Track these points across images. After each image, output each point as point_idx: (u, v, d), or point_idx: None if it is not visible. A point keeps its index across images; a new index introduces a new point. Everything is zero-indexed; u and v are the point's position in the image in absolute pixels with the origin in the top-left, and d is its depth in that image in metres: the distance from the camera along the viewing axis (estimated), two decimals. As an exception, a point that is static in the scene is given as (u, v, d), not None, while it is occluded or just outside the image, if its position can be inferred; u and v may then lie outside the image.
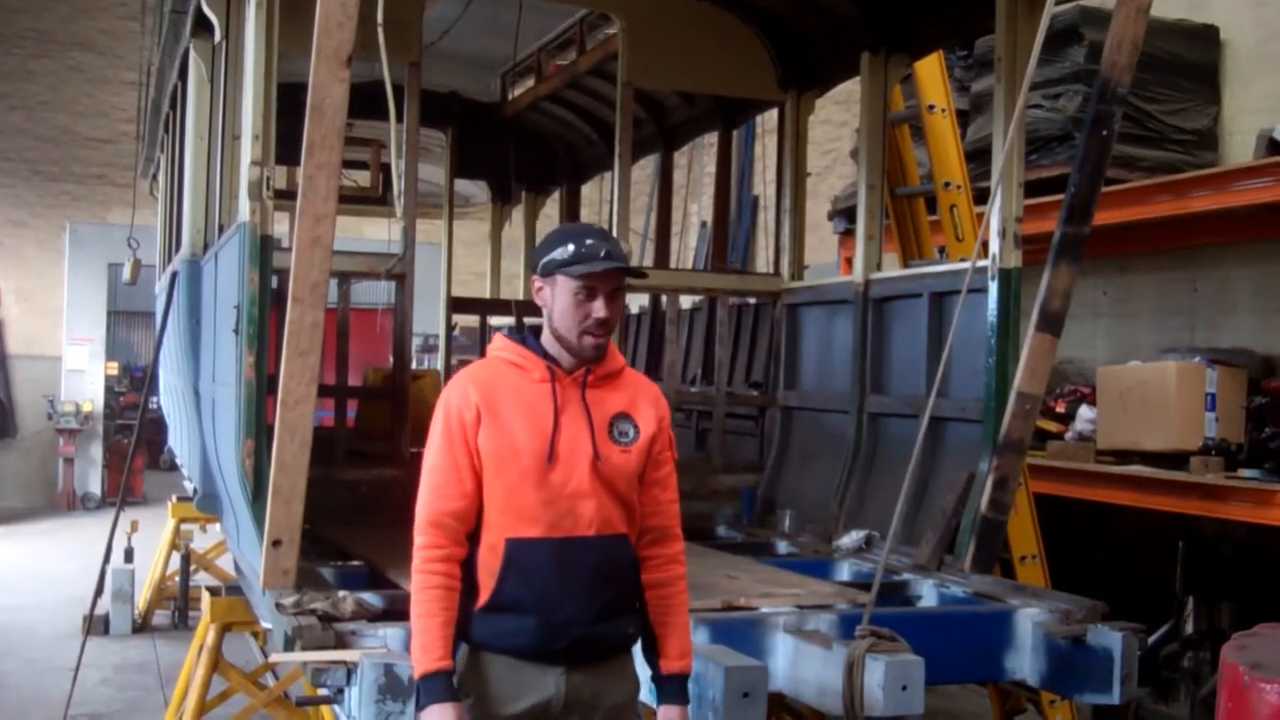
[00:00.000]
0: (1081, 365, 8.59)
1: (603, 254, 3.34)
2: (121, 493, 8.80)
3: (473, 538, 3.34)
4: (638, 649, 3.52)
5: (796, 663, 4.15)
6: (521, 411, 3.35)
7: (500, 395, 3.36)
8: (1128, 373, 7.40)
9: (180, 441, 8.58)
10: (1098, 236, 5.08)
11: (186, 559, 10.59)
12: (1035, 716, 6.71)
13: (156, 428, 15.53)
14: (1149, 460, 7.03)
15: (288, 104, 4.92)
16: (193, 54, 7.08)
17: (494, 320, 11.27)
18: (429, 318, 10.66)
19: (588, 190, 11.97)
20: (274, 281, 5.07)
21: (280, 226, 5.40)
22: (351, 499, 6.27)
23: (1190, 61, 8.23)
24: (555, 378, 3.39)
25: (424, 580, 3.28)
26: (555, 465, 3.32)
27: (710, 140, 11.82)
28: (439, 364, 10.61)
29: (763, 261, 13.95)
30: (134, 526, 10.75)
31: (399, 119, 4.80)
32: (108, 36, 19.26)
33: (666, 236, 9.76)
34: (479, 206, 12.48)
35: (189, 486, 8.58)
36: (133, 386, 22.03)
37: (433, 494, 3.33)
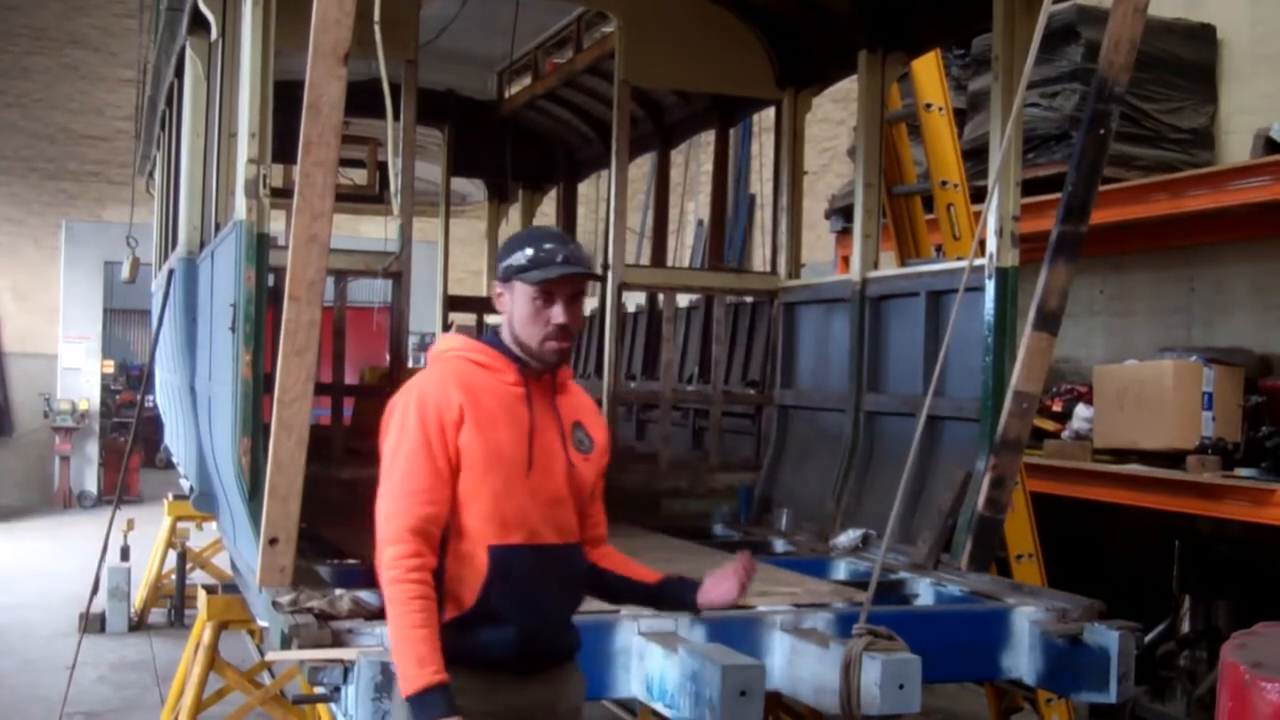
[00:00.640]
0: (1078, 364, 8.60)
1: (560, 259, 3.28)
2: (118, 491, 8.77)
3: (440, 549, 3.22)
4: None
5: (793, 661, 4.15)
6: (502, 414, 3.27)
7: (480, 396, 3.27)
8: (1125, 372, 7.40)
9: (176, 440, 8.57)
10: (1094, 235, 5.08)
11: (183, 557, 10.58)
12: (1032, 715, 6.70)
13: (153, 426, 15.52)
14: (1146, 459, 7.03)
15: (284, 102, 4.91)
16: (189, 51, 7.06)
17: (491, 319, 11.28)
18: (425, 316, 10.67)
19: (584, 188, 11.97)
20: (270, 279, 5.06)
21: (277, 224, 5.39)
22: (348, 497, 6.24)
23: (1187, 60, 8.24)
24: (528, 381, 3.34)
25: (408, 590, 3.11)
26: (534, 471, 3.28)
27: (707, 138, 11.81)
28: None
29: (760, 260, 13.94)
30: (130, 525, 10.73)
31: (396, 117, 4.78)
32: (104, 34, 19.23)
33: (663, 235, 9.76)
34: (475, 205, 12.49)
35: (185, 485, 8.57)
36: (129, 384, 22.02)
37: (411, 499, 3.17)
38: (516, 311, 3.33)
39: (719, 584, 3.61)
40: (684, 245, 16.21)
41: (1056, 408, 7.98)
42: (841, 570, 5.71)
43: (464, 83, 9.78)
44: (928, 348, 5.85)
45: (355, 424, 7.21)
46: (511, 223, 11.47)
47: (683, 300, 8.05)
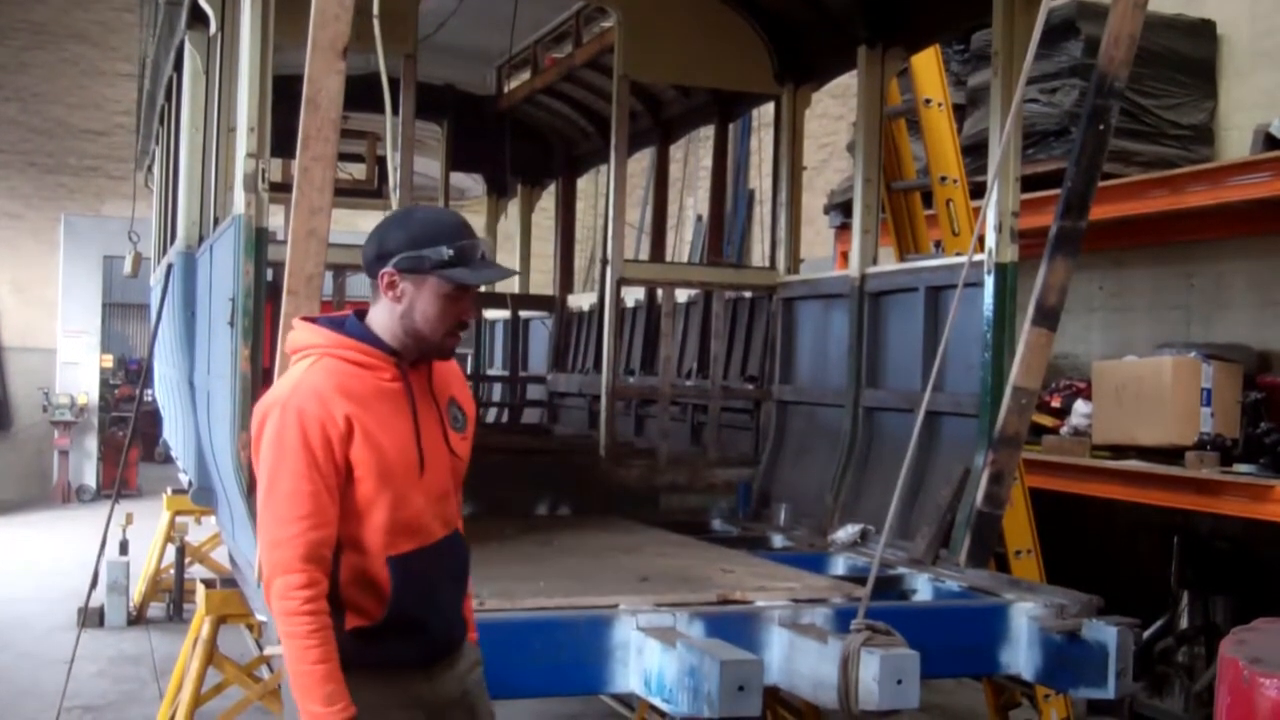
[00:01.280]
0: (1077, 360, 8.60)
1: (480, 256, 3.15)
2: (117, 485, 8.79)
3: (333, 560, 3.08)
4: None
5: (791, 656, 4.15)
6: (389, 418, 3.11)
7: (364, 403, 3.07)
8: (1123, 368, 7.41)
9: (175, 434, 8.57)
10: (1094, 231, 5.08)
11: (181, 551, 10.58)
12: (1030, 711, 6.71)
13: (151, 420, 15.52)
14: (1144, 455, 7.04)
15: (283, 96, 4.90)
16: (188, 46, 7.06)
17: (489, 314, 11.28)
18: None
19: (583, 183, 11.97)
20: (269, 274, 5.06)
21: (275, 219, 5.40)
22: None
23: (1187, 56, 8.24)
24: (405, 374, 3.17)
25: (306, 624, 2.97)
26: (425, 472, 3.15)
27: (706, 134, 11.82)
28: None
29: (758, 255, 13.93)
30: (129, 519, 10.71)
31: (394, 112, 4.78)
32: (102, 28, 19.20)
33: (662, 230, 9.76)
34: (474, 199, 12.47)
35: (184, 479, 8.57)
36: (128, 379, 21.97)
37: (298, 524, 2.97)
38: (422, 305, 3.12)
39: None
40: (683, 240, 16.21)
41: (1055, 403, 7.99)
42: (840, 565, 5.71)
43: (463, 77, 9.78)
44: (927, 343, 5.85)
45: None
46: (510, 217, 11.48)
47: (681, 295, 8.04)
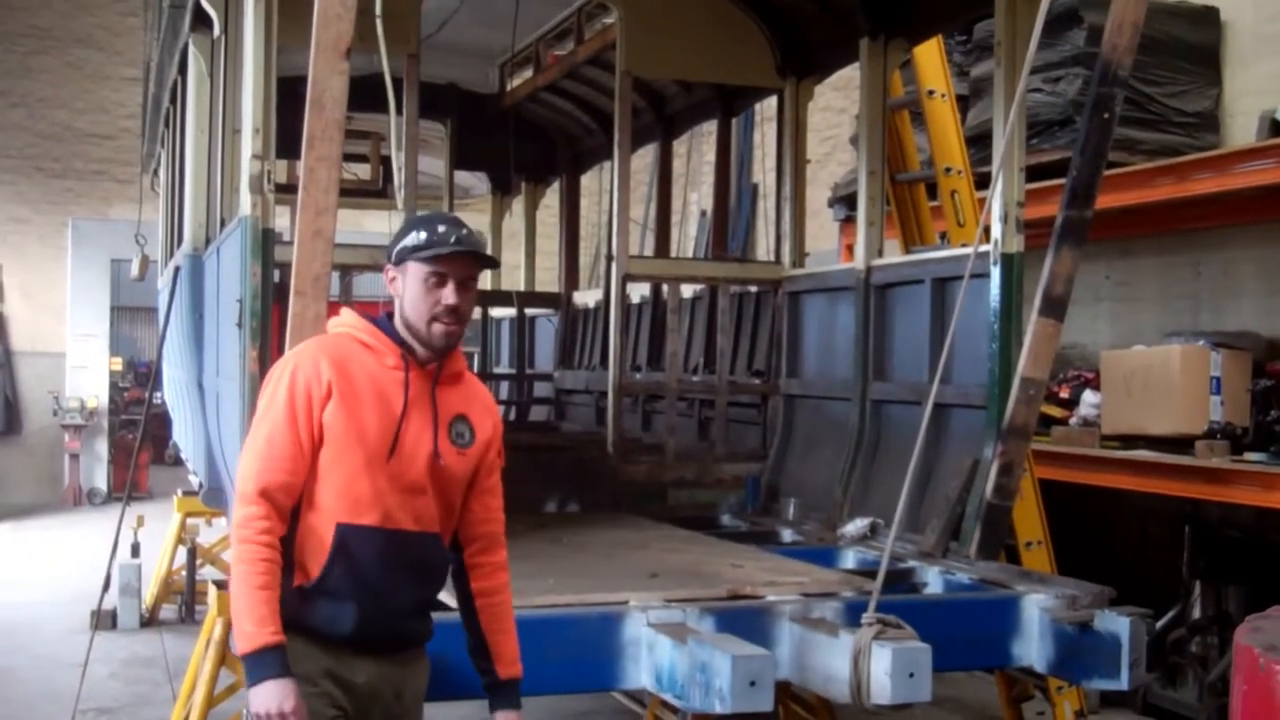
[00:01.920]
0: (1085, 350, 8.58)
1: (453, 240, 3.31)
2: (127, 488, 8.78)
3: (292, 516, 3.26)
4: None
5: (802, 651, 4.15)
6: (373, 396, 3.27)
7: (352, 375, 3.27)
8: (1132, 357, 7.39)
9: (185, 436, 8.59)
10: (1100, 220, 5.07)
11: (193, 553, 10.59)
12: (1042, 703, 6.70)
13: (161, 423, 15.52)
14: (1154, 445, 7.02)
15: (288, 97, 4.91)
16: (192, 49, 7.07)
17: (495, 312, 11.29)
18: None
19: (587, 180, 11.97)
20: (276, 275, 5.07)
21: (281, 220, 5.40)
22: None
23: (1191, 43, 8.21)
24: (409, 367, 3.33)
25: (252, 551, 3.16)
26: (396, 457, 3.28)
27: (709, 129, 11.80)
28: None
29: (763, 249, 13.91)
30: (140, 521, 10.74)
31: (398, 111, 4.79)
32: (107, 32, 19.23)
33: (666, 226, 9.76)
34: (479, 198, 12.48)
35: (194, 481, 8.59)
36: (137, 382, 22.00)
37: (265, 463, 3.21)
38: (408, 292, 3.33)
39: None
40: (687, 236, 16.20)
41: (1064, 394, 7.97)
42: (849, 559, 5.70)
43: (466, 76, 9.78)
44: (933, 335, 5.84)
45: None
46: (515, 215, 11.48)
47: (687, 291, 8.04)
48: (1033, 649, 4.54)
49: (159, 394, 11.28)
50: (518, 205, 11.45)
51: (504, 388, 11.16)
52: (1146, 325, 8.38)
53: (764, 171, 13.94)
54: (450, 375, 3.41)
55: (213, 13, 6.12)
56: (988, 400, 5.32)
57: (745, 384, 7.41)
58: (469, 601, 3.53)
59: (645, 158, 14.48)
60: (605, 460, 6.97)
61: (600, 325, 9.53)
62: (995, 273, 5.31)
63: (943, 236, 7.39)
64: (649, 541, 5.68)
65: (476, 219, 12.98)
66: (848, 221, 9.24)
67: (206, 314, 6.65)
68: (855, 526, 5.92)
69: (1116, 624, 4.28)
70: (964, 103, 8.11)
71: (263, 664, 3.12)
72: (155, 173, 13.13)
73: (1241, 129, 8.11)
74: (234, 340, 5.08)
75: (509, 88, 10.03)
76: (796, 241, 7.34)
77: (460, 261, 3.32)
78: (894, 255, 6.77)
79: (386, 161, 9.79)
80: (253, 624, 3.13)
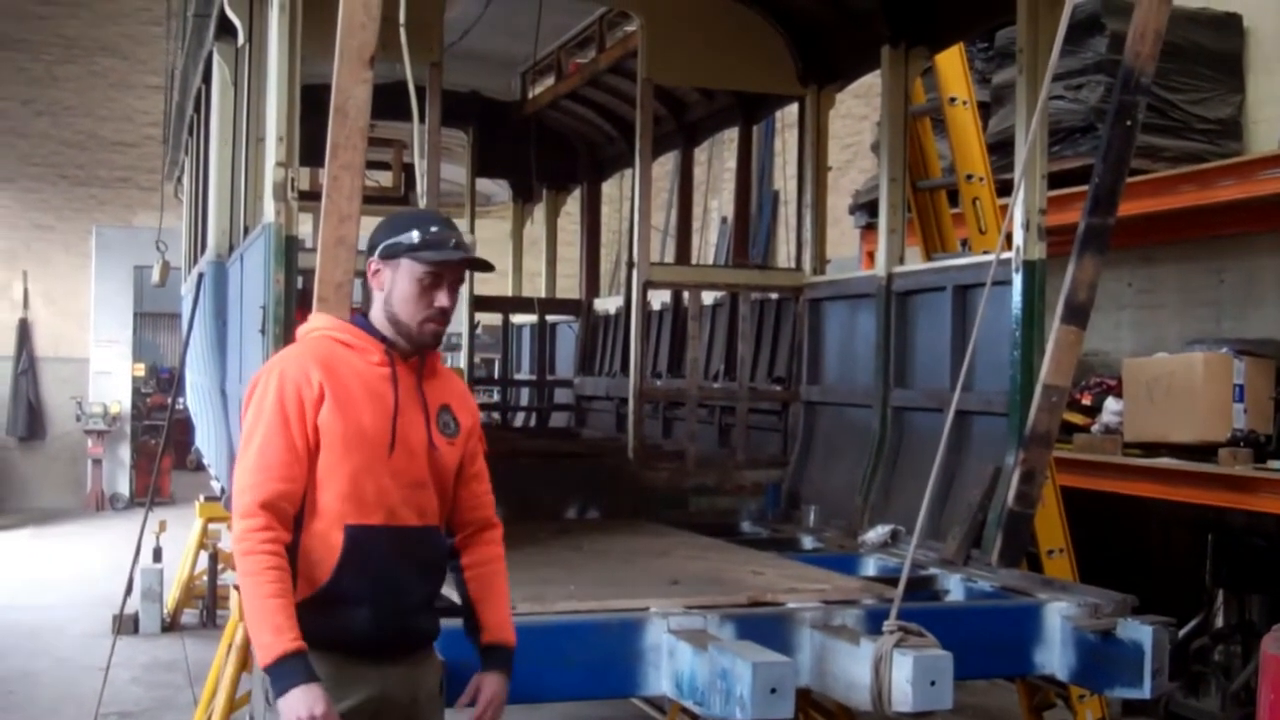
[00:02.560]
0: (1107, 357, 8.55)
1: (452, 244, 3.33)
2: (150, 493, 8.84)
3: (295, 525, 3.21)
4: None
5: (823, 658, 4.14)
6: (365, 394, 3.26)
7: (341, 375, 3.25)
8: (1154, 364, 7.36)
9: (208, 441, 8.63)
10: (1122, 227, 5.06)
11: (214, 558, 10.64)
12: (1064, 711, 6.67)
13: (184, 428, 15.60)
14: (1176, 452, 6.99)
15: (311, 105, 4.94)
16: (216, 57, 7.13)
17: (516, 318, 11.31)
18: (453, 316, 10.68)
19: (608, 187, 12.00)
20: (299, 282, 5.10)
21: (305, 227, 5.43)
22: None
23: (1213, 50, 8.19)
24: (394, 362, 3.33)
25: (261, 562, 3.09)
26: (396, 452, 3.27)
27: (730, 136, 11.82)
28: (461, 362, 10.64)
29: (784, 256, 13.93)
30: (162, 526, 10.79)
31: (421, 119, 4.81)
32: (132, 41, 19.37)
33: (687, 233, 9.77)
34: (500, 205, 12.52)
35: (216, 486, 8.63)
36: (159, 387, 22.15)
37: (263, 474, 3.15)
38: (398, 290, 3.32)
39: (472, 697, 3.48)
40: (708, 243, 16.21)
41: (1086, 401, 7.94)
42: (870, 566, 5.69)
43: (488, 84, 9.82)
44: (955, 342, 5.83)
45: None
46: (536, 222, 11.51)
47: (708, 298, 8.04)
48: (1055, 657, 4.52)
49: (182, 399, 11.33)
50: (539, 212, 11.48)
51: (524, 394, 11.19)
52: (1169, 332, 8.35)
53: (785, 178, 13.95)
54: (430, 368, 3.43)
55: (237, 21, 6.15)
56: (1010, 407, 5.30)
57: (766, 391, 7.41)
58: (459, 574, 3.54)
59: (666, 165, 14.48)
60: (626, 467, 6.97)
61: (621, 332, 9.54)
62: (1017, 280, 5.30)
63: (964, 244, 7.38)
64: (669, 548, 5.69)
65: (497, 226, 13.04)
66: (869, 228, 9.23)
67: (230, 320, 6.68)
68: (876, 533, 5.91)
69: (1139, 632, 4.25)
70: (985, 109, 8.09)
71: (287, 672, 3.06)
72: (179, 180, 13.23)
73: (1264, 136, 8.08)
74: (257, 346, 5.11)
75: (530, 95, 10.05)
76: (817, 248, 7.34)
77: (456, 264, 3.35)
78: (915, 262, 6.76)
79: (409, 169, 9.80)
80: (270, 634, 3.07)
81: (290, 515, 3.19)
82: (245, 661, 6.43)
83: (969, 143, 7.11)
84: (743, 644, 3.93)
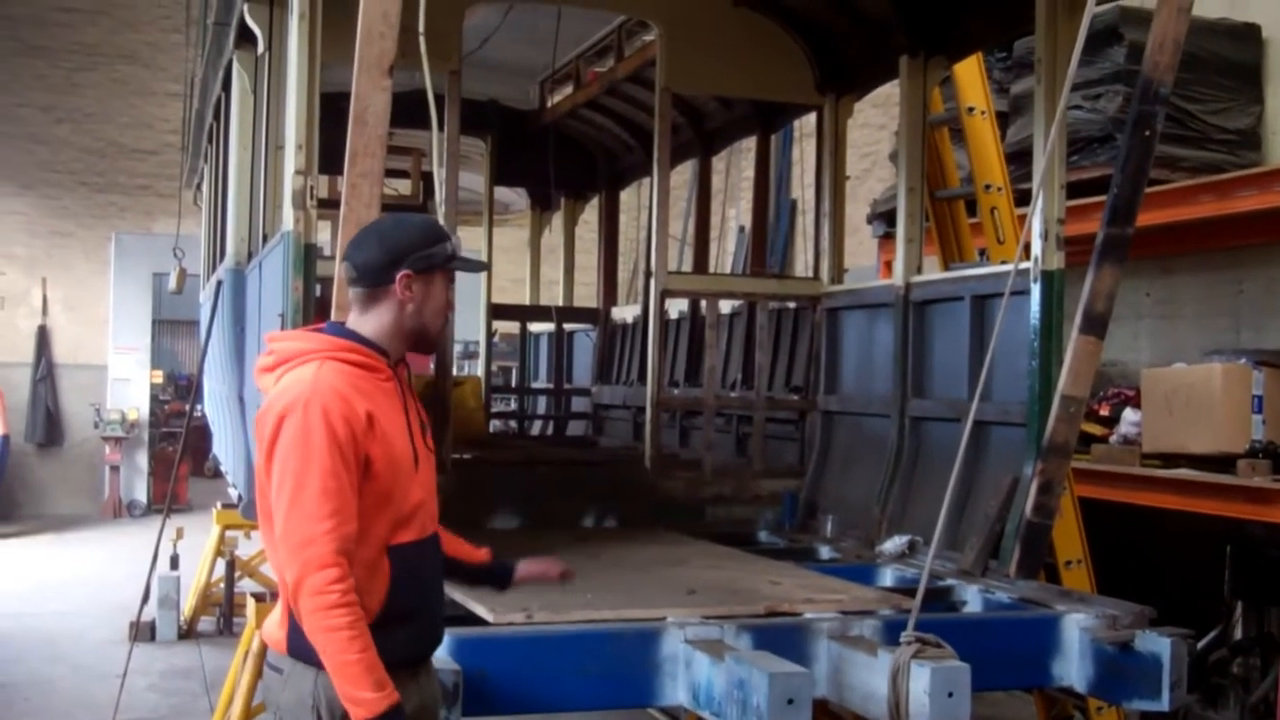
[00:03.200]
0: (1125, 368, 8.52)
1: (462, 249, 3.46)
2: (168, 500, 8.87)
3: None
4: None
5: (841, 669, 4.14)
6: (392, 415, 3.25)
7: (375, 400, 3.21)
8: (1173, 375, 7.33)
9: (225, 449, 8.65)
10: (1140, 238, 5.04)
11: (231, 565, 10.67)
12: (1082, 723, 6.64)
13: (201, 435, 15.65)
14: (1195, 463, 6.96)
15: (330, 113, 4.96)
16: (236, 65, 7.16)
17: (534, 327, 11.32)
18: (469, 324, 10.72)
19: (626, 196, 12.01)
20: (318, 289, 5.11)
21: (323, 235, 5.45)
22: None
23: (1232, 60, 8.16)
24: (397, 375, 3.35)
25: (349, 614, 3.02)
26: (419, 467, 3.30)
27: (748, 145, 11.81)
28: (479, 370, 10.66)
29: (802, 265, 13.91)
30: (179, 533, 10.83)
31: (439, 127, 4.82)
32: (152, 49, 19.47)
33: (705, 241, 9.76)
34: (518, 213, 12.53)
35: (234, 493, 8.65)
36: (177, 394, 22.23)
37: (334, 519, 3.04)
38: (432, 300, 3.34)
39: (540, 563, 3.72)
40: (725, 251, 16.21)
41: (1104, 412, 7.91)
42: (888, 577, 5.68)
43: (506, 92, 9.84)
44: (973, 352, 5.82)
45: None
46: (554, 230, 11.52)
47: (725, 306, 8.04)
48: (1073, 669, 4.51)
49: (199, 406, 11.38)
50: (557, 221, 11.50)
51: (542, 402, 11.19)
52: (1187, 343, 8.31)
53: (803, 187, 13.94)
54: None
55: (257, 30, 6.18)
56: (1028, 418, 5.29)
57: (783, 400, 7.41)
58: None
59: (684, 173, 14.53)
60: (643, 476, 6.97)
61: (638, 340, 9.55)
62: (1035, 290, 5.28)
63: (982, 253, 7.36)
64: (686, 557, 5.68)
65: (515, 234, 13.06)
66: (887, 238, 9.22)
67: (248, 328, 6.70)
68: (894, 544, 5.90)
69: (1157, 644, 4.24)
70: (1004, 119, 8.08)
71: None
72: (198, 187, 13.28)
73: (1284, 146, 8.05)
74: (275, 354, 5.11)
75: (549, 104, 10.08)
76: (835, 257, 7.33)
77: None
78: (933, 272, 6.75)
79: (427, 177, 9.85)
80: (372, 690, 3.00)
81: (353, 556, 3.11)
82: (261, 669, 6.44)
83: (987, 152, 7.10)
84: (759, 654, 3.93)
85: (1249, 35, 8.33)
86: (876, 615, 4.48)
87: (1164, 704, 4.22)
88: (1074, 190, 5.99)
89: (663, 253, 7.30)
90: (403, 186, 10.40)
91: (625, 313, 10.42)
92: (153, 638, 10.32)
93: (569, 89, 9.78)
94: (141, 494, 19.28)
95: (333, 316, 4.01)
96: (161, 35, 19.28)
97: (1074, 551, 6.49)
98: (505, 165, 10.01)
